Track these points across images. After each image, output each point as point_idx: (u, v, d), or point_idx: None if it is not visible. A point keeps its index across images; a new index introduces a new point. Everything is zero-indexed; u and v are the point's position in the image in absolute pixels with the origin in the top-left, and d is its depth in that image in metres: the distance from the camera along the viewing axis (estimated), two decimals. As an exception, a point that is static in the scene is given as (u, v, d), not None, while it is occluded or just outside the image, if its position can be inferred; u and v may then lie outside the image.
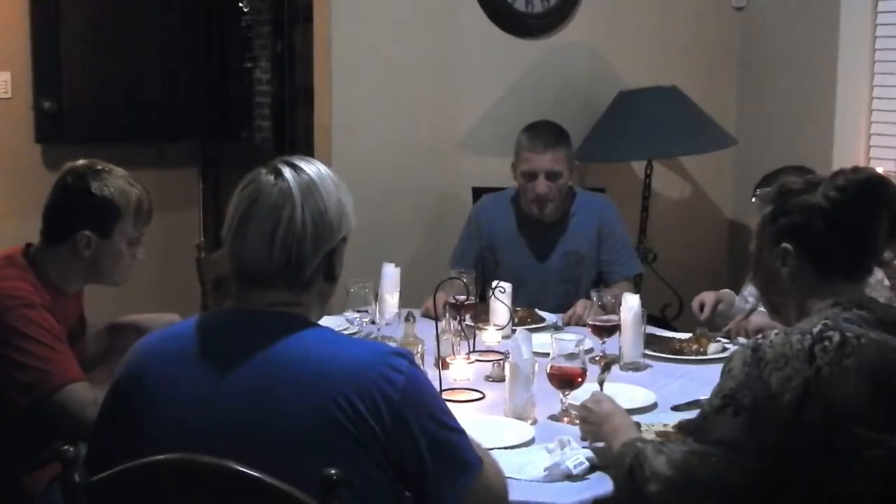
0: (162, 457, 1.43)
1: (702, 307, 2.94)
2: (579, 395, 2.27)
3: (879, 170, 3.92)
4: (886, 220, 1.73)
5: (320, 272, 1.62)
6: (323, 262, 1.61)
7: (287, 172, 1.59)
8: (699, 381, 2.46)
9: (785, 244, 1.76)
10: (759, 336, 1.69)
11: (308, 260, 1.58)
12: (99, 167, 2.32)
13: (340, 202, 1.62)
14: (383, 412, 1.47)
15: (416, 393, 1.52)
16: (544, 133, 3.32)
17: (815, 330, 1.64)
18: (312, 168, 1.62)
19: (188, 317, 1.71)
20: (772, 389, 1.60)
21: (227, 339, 1.56)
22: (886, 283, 2.62)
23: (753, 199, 1.90)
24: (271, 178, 1.59)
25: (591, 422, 2.04)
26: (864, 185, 1.73)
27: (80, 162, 2.34)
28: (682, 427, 2.04)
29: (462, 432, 1.59)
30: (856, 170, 1.78)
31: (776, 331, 1.68)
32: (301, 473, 1.39)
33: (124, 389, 1.59)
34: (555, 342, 2.28)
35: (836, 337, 1.63)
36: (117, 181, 2.31)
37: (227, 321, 1.60)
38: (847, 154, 4.09)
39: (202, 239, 4.83)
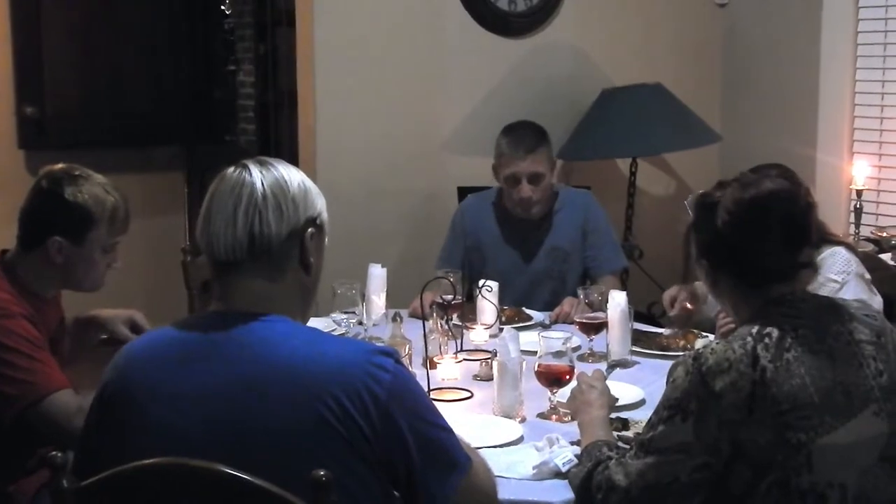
0: (151, 461, 1.43)
1: (673, 303, 2.91)
2: (567, 393, 2.27)
3: (862, 163, 3.96)
4: (778, 232, 1.74)
5: (292, 256, 1.60)
6: (291, 244, 1.59)
7: (250, 163, 1.62)
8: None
9: (702, 260, 1.82)
10: (700, 347, 1.73)
11: (272, 234, 1.57)
12: (76, 173, 2.29)
13: (304, 184, 1.63)
14: (371, 411, 1.47)
15: (403, 391, 1.52)
16: (524, 137, 3.31)
17: (755, 331, 1.69)
18: (277, 162, 1.64)
19: (172, 318, 1.70)
20: (715, 391, 1.63)
21: (212, 341, 1.55)
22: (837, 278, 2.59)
23: (686, 209, 1.93)
24: (233, 168, 1.62)
25: (575, 400, 2.13)
26: (750, 205, 1.74)
27: (58, 167, 2.31)
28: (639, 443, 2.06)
29: (450, 431, 1.59)
30: (748, 185, 1.77)
31: (717, 341, 1.73)
32: (290, 473, 1.39)
33: (111, 394, 1.58)
34: (542, 340, 2.28)
35: (776, 332, 1.67)
36: (92, 188, 2.28)
37: (211, 324, 1.59)
38: (831, 148, 4.12)
39: (188, 243, 4.82)
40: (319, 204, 1.65)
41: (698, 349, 1.70)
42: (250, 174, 1.59)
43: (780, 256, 1.75)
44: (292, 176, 1.62)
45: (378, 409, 1.48)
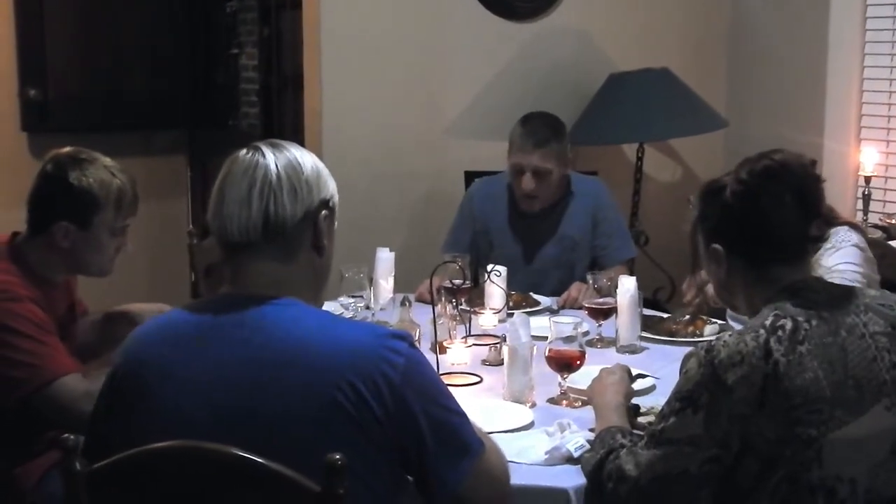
0: (163, 444, 1.42)
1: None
2: (578, 378, 2.26)
3: (870, 149, 3.94)
4: (792, 202, 1.72)
5: (305, 239, 1.60)
6: (305, 225, 1.59)
7: (262, 145, 1.62)
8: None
9: (714, 245, 1.79)
10: (713, 338, 1.71)
11: (286, 215, 1.56)
12: (82, 156, 2.27)
13: (317, 166, 1.63)
14: (384, 394, 1.46)
15: (416, 375, 1.51)
16: (537, 130, 3.25)
17: (768, 322, 1.66)
18: (289, 145, 1.64)
19: (174, 302, 1.69)
20: (727, 385, 1.61)
21: (224, 324, 1.54)
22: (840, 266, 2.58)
23: (690, 205, 1.90)
24: (245, 150, 1.62)
25: (592, 385, 2.12)
26: (763, 174, 1.73)
27: (64, 150, 2.30)
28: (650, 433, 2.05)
29: (463, 415, 1.58)
30: (760, 157, 1.77)
31: (729, 332, 1.70)
32: (302, 457, 1.38)
33: (121, 377, 1.57)
34: (553, 325, 2.27)
35: (789, 324, 1.65)
36: (98, 171, 2.26)
37: (222, 306, 1.57)
38: (838, 134, 4.09)
39: (191, 226, 4.81)
40: (331, 186, 1.65)
41: (711, 341, 1.68)
42: (263, 156, 1.58)
43: (793, 227, 1.73)
44: (305, 158, 1.62)
45: (392, 393, 1.47)
